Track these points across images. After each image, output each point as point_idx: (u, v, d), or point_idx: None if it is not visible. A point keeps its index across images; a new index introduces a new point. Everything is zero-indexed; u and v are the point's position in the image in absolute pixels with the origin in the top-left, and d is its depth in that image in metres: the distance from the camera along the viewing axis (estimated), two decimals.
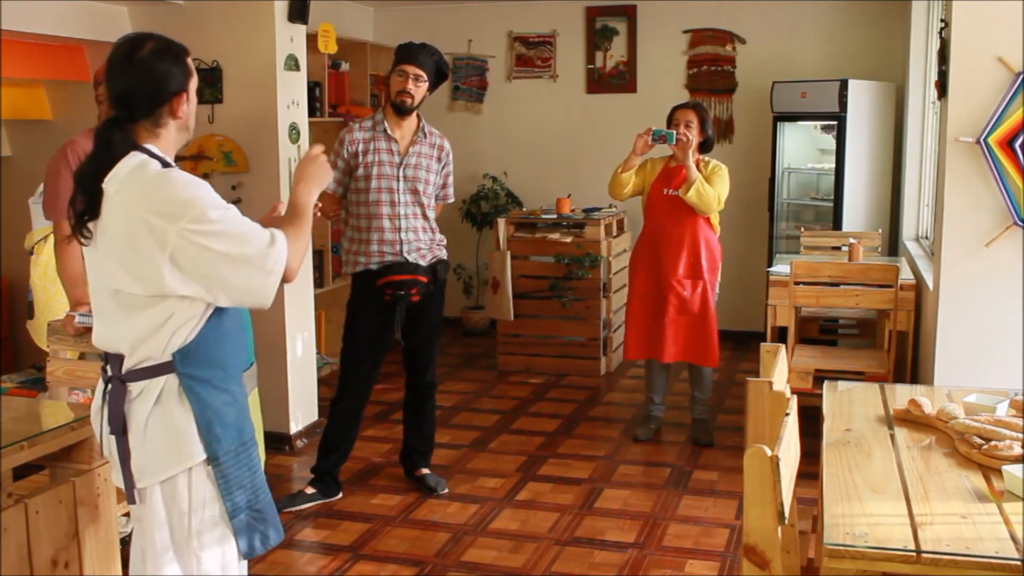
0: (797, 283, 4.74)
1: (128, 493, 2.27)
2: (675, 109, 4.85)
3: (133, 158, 2.18)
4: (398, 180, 4.07)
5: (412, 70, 4.01)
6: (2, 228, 5.43)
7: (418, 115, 4.15)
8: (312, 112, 5.51)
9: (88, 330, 3.14)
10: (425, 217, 4.14)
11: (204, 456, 2.23)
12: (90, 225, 2.19)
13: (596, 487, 4.43)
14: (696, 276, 4.82)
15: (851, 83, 6.22)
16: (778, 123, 6.63)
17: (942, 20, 4.32)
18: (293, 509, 4.13)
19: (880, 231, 6.14)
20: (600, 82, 7.40)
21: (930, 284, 4.21)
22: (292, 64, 4.85)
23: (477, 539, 3.88)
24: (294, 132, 4.88)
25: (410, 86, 4.01)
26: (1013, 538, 1.92)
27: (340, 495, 4.31)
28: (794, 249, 6.32)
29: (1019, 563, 1.83)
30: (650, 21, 7.21)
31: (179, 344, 2.21)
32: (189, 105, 2.27)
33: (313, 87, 5.85)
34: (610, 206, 6.77)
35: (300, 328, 5.00)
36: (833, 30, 6.87)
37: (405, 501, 4.27)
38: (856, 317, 5.68)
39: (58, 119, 5.35)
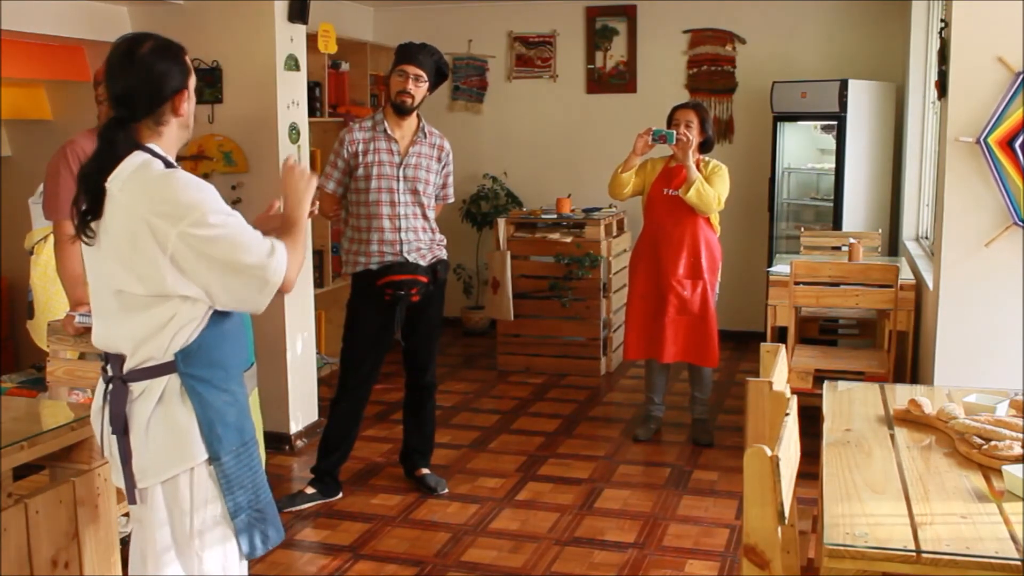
0: (797, 283, 4.74)
1: (129, 493, 2.27)
2: (675, 109, 4.85)
3: (136, 157, 2.18)
4: (398, 180, 4.07)
5: (412, 70, 4.01)
6: (2, 228, 5.43)
7: (418, 115, 4.15)
8: (312, 112, 5.51)
9: (88, 330, 3.14)
10: (425, 217, 4.14)
11: (206, 456, 2.24)
12: (93, 225, 2.19)
13: (596, 487, 4.43)
14: (696, 276, 4.82)
15: (851, 83, 6.22)
16: (778, 123, 6.63)
17: (942, 20, 4.32)
18: (293, 509, 4.13)
19: (880, 231, 6.14)
20: (600, 82, 7.40)
21: (930, 284, 4.21)
22: (292, 64, 4.85)
23: (477, 539, 3.88)
24: (294, 132, 4.88)
25: (410, 86, 4.01)
26: (1013, 538, 1.92)
27: (340, 495, 4.31)
28: (794, 249, 6.32)
29: (1019, 563, 1.83)
30: (650, 21, 7.21)
31: (181, 344, 2.21)
32: (189, 103, 2.28)
33: (313, 87, 5.85)
34: (610, 206, 6.77)
35: (300, 328, 5.00)
36: (833, 30, 6.87)
37: (405, 501, 4.27)
38: (856, 317, 5.68)
39: (58, 119, 5.35)
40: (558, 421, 5.42)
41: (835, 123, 6.32)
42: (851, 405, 2.82)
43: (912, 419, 2.65)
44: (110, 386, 2.26)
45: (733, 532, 3.90)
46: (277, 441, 4.88)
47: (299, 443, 5.00)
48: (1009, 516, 2.03)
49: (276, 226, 2.55)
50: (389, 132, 4.07)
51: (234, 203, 4.79)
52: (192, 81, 2.29)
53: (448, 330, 7.28)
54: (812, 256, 5.75)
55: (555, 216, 6.57)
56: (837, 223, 6.32)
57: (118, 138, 2.19)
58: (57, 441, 2.72)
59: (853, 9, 6.82)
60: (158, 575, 2.28)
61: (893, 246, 6.52)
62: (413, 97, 4.03)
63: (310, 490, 4.24)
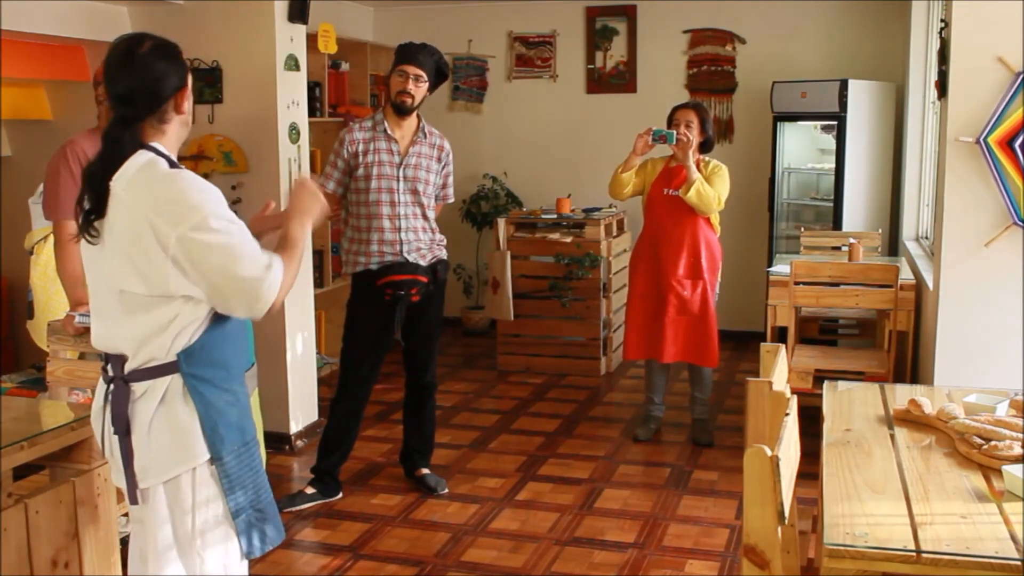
0: (797, 283, 4.74)
1: (130, 493, 2.27)
2: (675, 109, 4.85)
3: (140, 156, 2.19)
4: (398, 180, 4.07)
5: (412, 70, 4.01)
6: (2, 228, 5.43)
7: (418, 115, 4.15)
8: (312, 112, 5.51)
9: (88, 330, 3.14)
10: (425, 217, 4.14)
11: (208, 456, 2.24)
12: (97, 224, 2.19)
13: (596, 487, 4.43)
14: (696, 276, 4.82)
15: (851, 83, 6.23)
16: (778, 123, 6.63)
17: (942, 20, 4.32)
18: (293, 509, 4.13)
19: (880, 231, 6.14)
20: (600, 82, 7.40)
21: (930, 284, 4.21)
22: (292, 64, 4.85)
23: (477, 539, 3.88)
24: (294, 132, 4.88)
25: (410, 86, 4.01)
26: (1013, 538, 1.92)
27: (340, 495, 4.31)
28: (794, 249, 6.32)
29: (1019, 563, 1.83)
30: (650, 21, 7.21)
31: (183, 345, 2.21)
32: (189, 100, 2.30)
33: (313, 87, 5.85)
34: (610, 206, 6.77)
35: (300, 328, 5.00)
36: (833, 30, 6.87)
37: (405, 501, 4.27)
38: (856, 317, 5.68)
39: (58, 119, 5.35)
40: (558, 421, 5.42)
41: (835, 123, 6.32)
42: (851, 405, 2.82)
43: (912, 419, 2.65)
44: (111, 386, 2.26)
45: (733, 532, 3.90)
46: (277, 441, 4.88)
47: (299, 443, 5.00)
48: (1009, 516, 2.03)
49: (272, 227, 2.57)
50: (389, 132, 4.07)
51: (234, 203, 4.79)
52: (190, 78, 2.30)
53: (448, 330, 7.28)
54: (812, 256, 5.75)
55: (555, 216, 6.57)
56: (837, 223, 6.32)
57: (124, 137, 2.19)
58: (57, 441, 2.72)
59: (853, 9, 6.82)
60: (159, 575, 2.28)
61: (893, 246, 6.52)
62: (413, 97, 4.03)
63: (310, 490, 4.24)
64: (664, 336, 4.85)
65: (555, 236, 6.39)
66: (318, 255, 5.89)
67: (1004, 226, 3.58)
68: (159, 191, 2.14)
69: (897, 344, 4.69)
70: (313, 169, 5.71)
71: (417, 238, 4.11)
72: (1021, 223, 3.53)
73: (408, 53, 4.05)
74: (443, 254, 4.25)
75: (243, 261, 2.15)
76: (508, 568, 3.62)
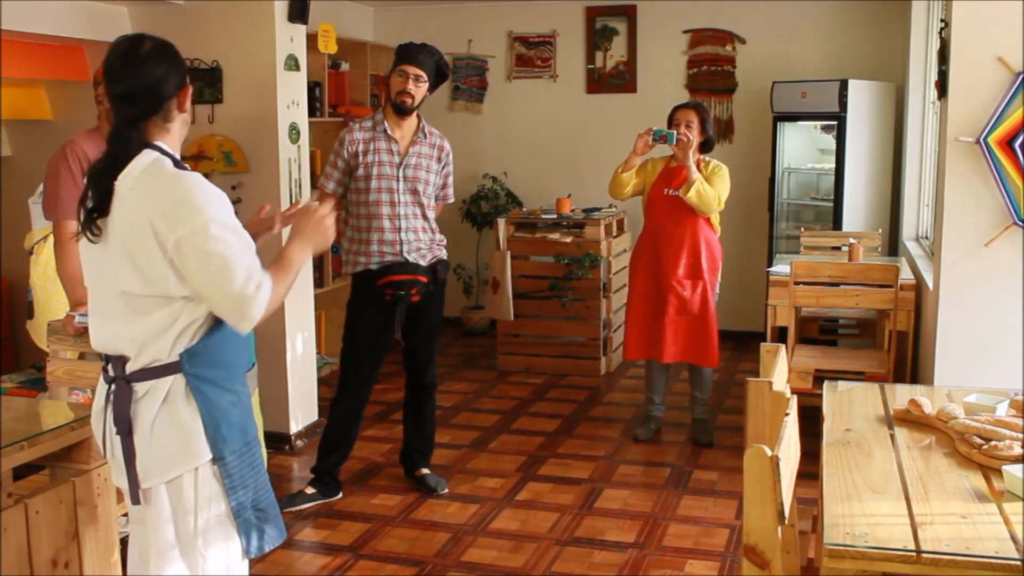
0: (797, 283, 4.74)
1: (132, 494, 2.27)
2: (676, 109, 4.85)
3: (146, 156, 2.20)
4: (398, 180, 4.07)
5: (412, 70, 4.01)
6: (2, 228, 5.43)
7: (418, 115, 4.15)
8: (312, 112, 5.52)
9: (88, 330, 3.15)
10: (425, 217, 4.14)
11: (210, 456, 2.24)
12: (99, 222, 2.19)
13: (596, 487, 4.43)
14: (696, 276, 4.82)
15: (851, 83, 6.23)
16: (778, 123, 6.63)
17: (942, 20, 4.32)
18: (293, 509, 4.13)
19: (880, 231, 6.14)
20: (600, 82, 7.40)
21: (930, 284, 4.21)
22: (292, 64, 4.85)
23: (477, 539, 3.88)
24: (294, 132, 4.88)
25: (410, 86, 4.01)
26: (1013, 538, 1.92)
27: (340, 495, 4.31)
28: (794, 249, 6.32)
29: (1019, 563, 1.83)
30: (650, 21, 7.21)
31: (185, 345, 2.22)
32: (190, 98, 2.32)
33: (313, 87, 5.85)
34: (610, 206, 6.77)
35: (300, 328, 5.00)
36: (833, 30, 6.87)
37: (405, 501, 4.27)
38: (856, 317, 5.68)
39: (58, 119, 5.35)
40: (558, 421, 5.42)
41: (835, 123, 6.32)
42: (851, 405, 2.82)
43: (912, 419, 2.65)
44: (113, 386, 2.26)
45: (733, 532, 3.90)
46: (277, 441, 4.88)
47: (299, 443, 5.00)
48: (1009, 516, 2.03)
49: (267, 229, 2.58)
50: (389, 132, 4.07)
51: (234, 203, 4.77)
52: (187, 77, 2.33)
53: (448, 330, 7.29)
54: (812, 256, 5.75)
55: (555, 216, 6.57)
56: (837, 223, 6.32)
57: (130, 137, 2.20)
58: (57, 441, 2.72)
59: (853, 9, 6.82)
60: (161, 574, 2.28)
61: (893, 246, 6.52)
62: (413, 97, 4.03)
63: (310, 490, 4.24)
64: (664, 336, 4.85)
65: (555, 236, 6.39)
66: (318, 255, 5.89)
67: (1004, 226, 3.58)
68: (163, 192, 2.15)
69: (897, 344, 4.69)
70: (313, 169, 5.71)
71: (417, 238, 4.11)
72: (1021, 223, 3.53)
73: (408, 53, 4.05)
74: (443, 254, 4.25)
75: (236, 275, 2.14)
76: (508, 568, 3.62)
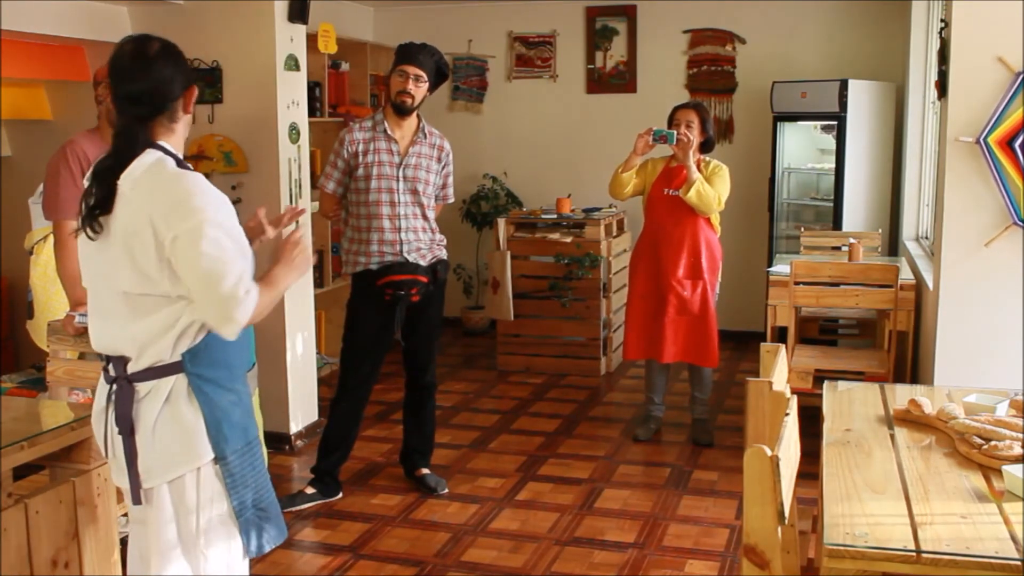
0: (797, 283, 4.74)
1: (134, 494, 2.27)
2: (676, 109, 4.85)
3: (149, 156, 2.21)
4: (398, 180, 4.06)
5: (412, 70, 4.01)
6: (2, 228, 5.43)
7: (418, 115, 4.15)
8: (312, 112, 5.51)
9: (88, 330, 3.15)
10: (425, 217, 4.14)
11: (212, 455, 2.25)
12: (101, 219, 2.19)
13: (596, 487, 4.43)
14: (696, 276, 4.82)
15: (851, 83, 6.23)
16: (778, 123, 6.63)
17: (942, 20, 4.32)
18: (293, 509, 4.13)
19: (880, 231, 6.14)
20: (600, 82, 7.40)
21: (930, 284, 4.21)
22: (292, 64, 4.85)
23: (477, 539, 3.88)
24: (294, 132, 4.88)
25: (410, 86, 4.01)
26: (1013, 538, 1.92)
27: (340, 495, 4.31)
28: (794, 249, 6.32)
29: (1019, 563, 1.83)
30: (650, 21, 7.21)
31: (186, 346, 2.22)
32: (194, 101, 2.34)
33: (313, 87, 5.85)
34: (610, 206, 6.77)
35: (300, 328, 5.00)
36: (833, 30, 6.87)
37: (405, 501, 4.27)
38: (856, 317, 5.68)
39: (58, 119, 5.35)
40: (558, 421, 5.42)
41: (835, 123, 6.32)
42: (851, 405, 2.82)
43: (912, 419, 2.65)
44: (114, 386, 2.26)
45: (733, 532, 3.90)
46: (277, 441, 4.88)
47: (299, 443, 5.00)
48: (1009, 516, 2.03)
49: (259, 235, 2.59)
50: (389, 132, 4.07)
51: (234, 203, 4.77)
52: None
53: (448, 330, 7.29)
54: (812, 256, 5.75)
55: (555, 216, 6.57)
56: (837, 223, 6.32)
57: (138, 136, 2.22)
58: (57, 441, 2.72)
59: (853, 9, 6.82)
60: (162, 574, 2.28)
61: (893, 246, 6.52)
62: (413, 97, 4.03)
63: (310, 490, 4.24)
64: (664, 336, 4.85)
65: (555, 236, 6.39)
66: (318, 255, 5.89)
67: (1004, 226, 3.58)
68: (163, 191, 2.15)
69: (897, 344, 4.69)
70: (313, 169, 5.71)
71: (417, 238, 4.11)
72: (1021, 223, 3.53)
73: (408, 53, 4.04)
74: (443, 254, 4.25)
75: (227, 277, 2.14)
76: (508, 568, 3.62)
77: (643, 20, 7.22)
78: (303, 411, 5.07)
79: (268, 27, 4.72)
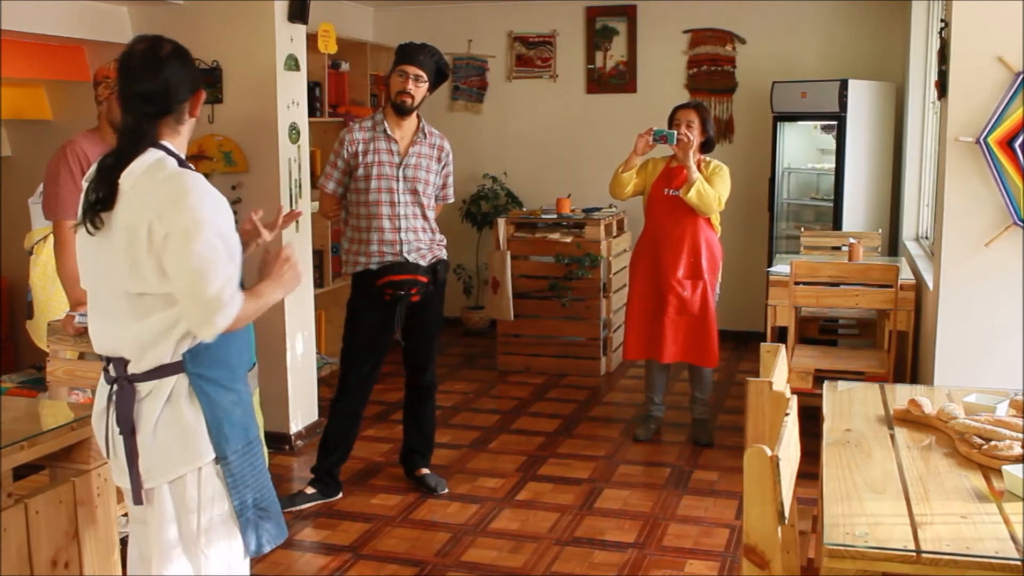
0: (797, 283, 4.74)
1: (134, 494, 2.27)
2: (677, 109, 4.85)
3: (151, 155, 2.21)
4: (398, 180, 4.06)
5: (412, 70, 4.01)
6: (2, 228, 5.43)
7: (418, 115, 4.15)
8: (312, 112, 5.51)
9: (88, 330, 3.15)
10: (425, 217, 4.14)
11: (213, 455, 2.25)
12: (103, 215, 2.19)
13: (596, 487, 4.43)
14: (696, 276, 4.82)
15: (851, 83, 6.23)
16: (778, 123, 6.63)
17: (942, 20, 4.33)
18: (293, 509, 4.13)
19: (880, 231, 6.15)
20: (600, 82, 7.40)
21: (930, 284, 4.21)
22: (292, 64, 4.85)
23: (477, 539, 3.88)
24: (294, 132, 4.88)
25: (410, 86, 4.01)
26: (1013, 538, 1.92)
27: (340, 495, 4.31)
28: (794, 249, 6.32)
29: (1019, 563, 1.83)
30: (650, 21, 7.21)
31: (188, 346, 2.22)
32: (201, 104, 2.36)
33: (313, 87, 5.84)
34: (610, 206, 6.77)
35: (300, 328, 5.00)
36: (833, 30, 6.87)
37: (405, 501, 4.27)
38: (856, 317, 5.68)
39: (58, 119, 5.35)
40: (558, 421, 5.42)
41: (835, 123, 6.32)
42: (851, 405, 2.82)
43: (912, 419, 2.65)
44: (115, 387, 2.26)
45: (733, 532, 3.90)
46: (277, 441, 4.88)
47: (299, 443, 5.00)
48: (1009, 516, 2.03)
49: (255, 237, 2.60)
50: (389, 132, 4.07)
51: (234, 203, 4.79)
52: None
53: (448, 330, 7.29)
54: (812, 256, 5.75)
55: (555, 216, 6.57)
56: (837, 223, 6.32)
57: (145, 135, 2.22)
58: (57, 441, 2.72)
59: (853, 9, 6.82)
60: (163, 574, 2.28)
61: (893, 246, 6.52)
62: (413, 97, 4.03)
63: (310, 490, 4.24)
64: (664, 336, 4.85)
65: (555, 236, 6.39)
66: (318, 255, 5.89)
67: (1004, 226, 3.58)
68: (161, 188, 2.16)
69: (897, 344, 4.69)
70: (313, 169, 5.72)
71: (417, 238, 4.11)
72: (1021, 223, 3.53)
73: (408, 53, 4.04)
74: (443, 254, 4.25)
75: (212, 280, 2.14)
76: (508, 568, 3.62)
77: (643, 20, 7.22)
78: (303, 411, 5.08)
79: (268, 27, 4.72)
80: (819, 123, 6.73)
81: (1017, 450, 2.29)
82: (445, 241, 4.28)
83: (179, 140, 2.30)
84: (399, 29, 7.39)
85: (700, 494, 4.33)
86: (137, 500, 2.27)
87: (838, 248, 5.83)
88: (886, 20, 6.73)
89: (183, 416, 2.22)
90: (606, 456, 4.84)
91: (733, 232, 6.69)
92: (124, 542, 2.81)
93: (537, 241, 6.46)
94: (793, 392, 2.68)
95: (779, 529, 1.95)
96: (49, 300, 3.97)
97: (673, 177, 4.83)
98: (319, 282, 5.96)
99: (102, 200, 2.18)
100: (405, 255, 4.07)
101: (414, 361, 4.32)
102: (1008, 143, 3.50)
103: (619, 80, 7.35)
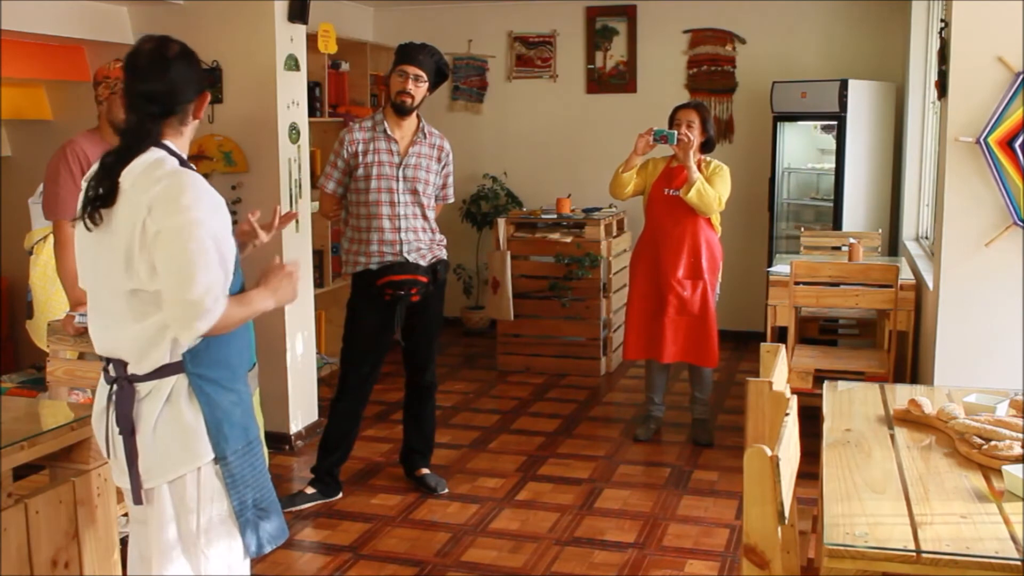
0: (797, 283, 4.74)
1: (134, 494, 2.27)
2: (677, 109, 4.85)
3: (152, 154, 2.22)
4: (398, 180, 4.06)
5: (412, 70, 4.01)
6: (2, 228, 5.43)
7: (418, 115, 4.15)
8: (312, 112, 5.51)
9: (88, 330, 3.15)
10: (425, 217, 4.14)
11: (212, 455, 2.25)
12: (103, 212, 2.19)
13: (596, 487, 4.43)
14: (696, 276, 4.82)
15: (851, 83, 6.23)
16: (778, 123, 6.63)
17: (942, 20, 4.32)
18: (293, 509, 4.13)
19: (880, 231, 6.15)
20: (600, 82, 7.40)
21: (930, 284, 4.21)
22: (292, 64, 4.85)
23: (477, 539, 3.88)
24: (294, 132, 4.88)
25: (410, 86, 4.01)
26: (1013, 538, 1.92)
27: (340, 495, 4.31)
28: (794, 249, 6.32)
29: (1019, 563, 1.83)
30: (650, 21, 7.21)
31: (187, 345, 2.22)
32: (205, 105, 2.37)
33: (313, 87, 5.84)
34: (610, 206, 6.77)
35: (300, 328, 5.00)
36: (833, 30, 6.87)
37: (405, 501, 4.27)
38: (856, 317, 5.68)
39: (58, 119, 5.35)
40: (558, 421, 5.42)
41: (835, 123, 6.32)
42: (851, 405, 2.82)
43: (912, 419, 2.65)
44: (115, 387, 2.26)
45: (733, 532, 3.90)
46: (277, 441, 4.88)
47: (299, 443, 5.00)
48: (1009, 516, 2.03)
49: (251, 240, 2.60)
50: (389, 132, 4.07)
51: (234, 203, 4.79)
52: None
53: (448, 330, 7.29)
54: (812, 256, 5.75)
55: (555, 216, 6.57)
56: (837, 223, 6.32)
57: (148, 134, 2.23)
58: (57, 441, 2.72)
59: (853, 9, 6.82)
60: (163, 574, 2.28)
61: (893, 246, 6.52)
62: (413, 97, 4.03)
63: (310, 490, 4.24)
64: (664, 336, 4.85)
65: (555, 236, 6.39)
66: (318, 255, 5.89)
67: (1004, 226, 3.58)
68: (158, 187, 2.16)
69: (897, 344, 4.69)
70: (313, 169, 5.71)
71: (417, 238, 4.11)
72: (1021, 223, 3.53)
73: (408, 53, 4.04)
74: (443, 254, 4.25)
75: (198, 282, 2.13)
76: (508, 568, 3.62)
77: (643, 20, 7.22)
78: (303, 411, 5.08)
79: (268, 27, 4.72)
80: (819, 123, 6.73)
81: (1017, 450, 2.29)
82: (445, 241, 4.28)
83: (182, 141, 2.30)
84: (399, 29, 7.39)
85: (700, 494, 4.33)
86: (137, 500, 2.27)
87: (838, 248, 5.83)
88: (886, 20, 6.73)
89: (183, 416, 2.23)
90: (606, 456, 4.84)
91: (733, 232, 6.69)
92: (124, 542, 2.81)
93: (537, 241, 6.46)
94: (793, 392, 2.68)
95: (779, 529, 1.95)
96: (49, 300, 3.97)
97: (673, 177, 4.83)
98: (319, 282, 5.96)
99: (102, 197, 2.18)
100: (405, 255, 4.07)
101: (414, 361, 4.32)
102: (1008, 143, 3.50)
103: (619, 80, 7.35)
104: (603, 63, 7.37)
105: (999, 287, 3.63)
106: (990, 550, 1.87)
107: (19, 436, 2.63)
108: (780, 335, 4.94)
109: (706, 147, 4.85)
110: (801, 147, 6.89)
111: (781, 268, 5.16)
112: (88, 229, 2.23)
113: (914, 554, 1.87)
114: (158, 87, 2.22)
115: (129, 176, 2.18)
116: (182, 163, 2.24)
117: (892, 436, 2.55)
